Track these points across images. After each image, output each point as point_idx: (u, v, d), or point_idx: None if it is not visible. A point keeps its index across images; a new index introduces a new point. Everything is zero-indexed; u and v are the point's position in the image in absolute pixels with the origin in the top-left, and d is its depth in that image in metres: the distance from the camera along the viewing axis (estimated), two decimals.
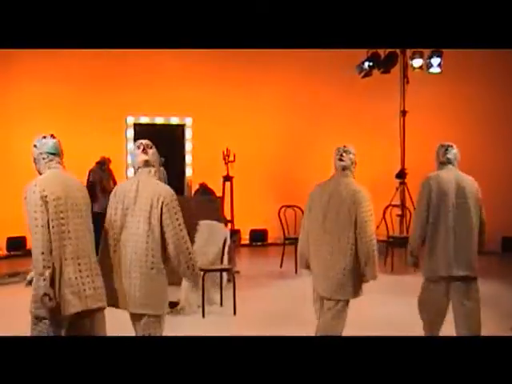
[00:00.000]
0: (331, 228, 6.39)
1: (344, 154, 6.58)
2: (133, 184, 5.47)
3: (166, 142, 15.31)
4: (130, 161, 14.59)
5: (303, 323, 8.06)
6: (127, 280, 5.38)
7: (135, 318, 5.48)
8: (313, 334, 6.44)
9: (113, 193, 5.69)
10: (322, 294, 6.41)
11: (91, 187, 13.13)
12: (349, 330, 7.71)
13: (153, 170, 5.53)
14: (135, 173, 5.60)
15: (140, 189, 5.38)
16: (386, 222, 11.85)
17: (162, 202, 5.29)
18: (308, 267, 6.64)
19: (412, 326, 8.07)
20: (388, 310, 9.01)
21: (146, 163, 5.53)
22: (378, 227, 10.55)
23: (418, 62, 13.33)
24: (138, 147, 5.62)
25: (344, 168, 6.57)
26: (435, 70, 13.39)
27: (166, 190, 5.41)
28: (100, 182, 13.15)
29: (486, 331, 7.30)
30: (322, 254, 6.39)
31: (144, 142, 5.70)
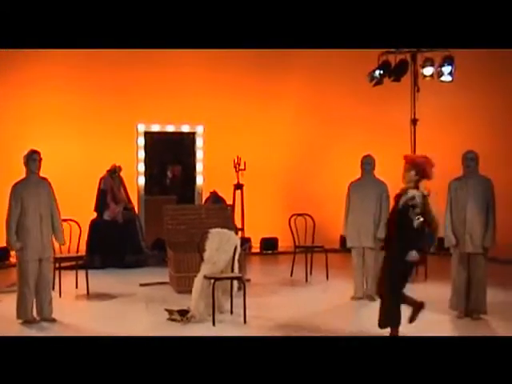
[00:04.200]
0: None
1: None
2: None
3: (177, 150, 15.40)
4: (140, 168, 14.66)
5: (314, 331, 8.05)
6: None
7: None
8: None
9: None
10: None
11: (102, 195, 13.18)
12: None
13: None
14: None
15: None
16: None
17: None
18: None
19: (421, 334, 8.07)
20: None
21: None
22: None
23: (428, 71, 13.28)
24: None
25: None
26: (446, 78, 13.33)
27: None
28: (111, 189, 13.19)
29: None
30: None
31: None
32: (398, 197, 7.49)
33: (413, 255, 7.20)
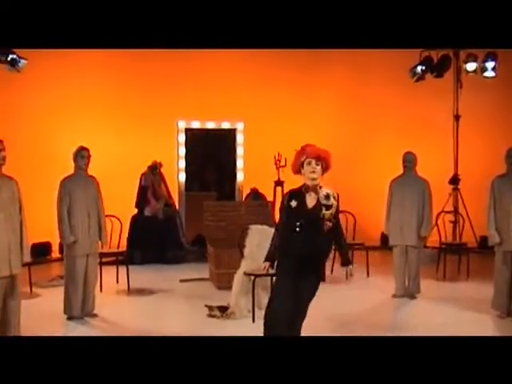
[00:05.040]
0: None
1: None
2: None
3: (217, 147, 15.42)
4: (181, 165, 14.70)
5: (354, 328, 8.01)
6: None
7: None
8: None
9: None
10: None
11: (143, 191, 13.25)
12: (399, 334, 7.65)
13: None
14: None
15: None
16: (438, 228, 11.70)
17: None
18: None
19: (462, 333, 7.96)
20: (440, 317, 8.88)
21: None
22: (430, 234, 10.43)
23: (471, 66, 13.12)
24: None
25: None
26: (490, 73, 13.17)
27: None
28: (151, 186, 13.26)
29: None
30: None
31: None
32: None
33: None
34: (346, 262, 6.18)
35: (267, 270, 6.08)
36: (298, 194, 5.92)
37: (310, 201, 5.87)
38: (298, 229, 5.80)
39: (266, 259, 6.13)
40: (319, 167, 5.87)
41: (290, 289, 5.83)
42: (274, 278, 7.32)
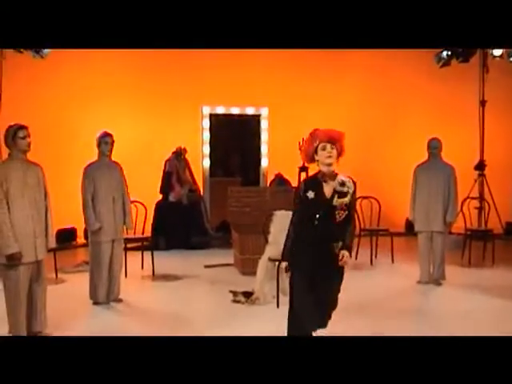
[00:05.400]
0: None
1: None
2: None
3: (241, 133, 15.42)
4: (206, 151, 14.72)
5: (378, 314, 7.99)
6: None
7: None
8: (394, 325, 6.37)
9: None
10: None
11: (167, 177, 13.28)
12: (425, 321, 7.65)
13: None
14: None
15: None
16: (463, 214, 11.63)
17: None
18: None
19: (487, 319, 7.94)
20: (465, 304, 8.84)
21: None
22: (455, 220, 10.37)
23: (498, 51, 13.00)
24: None
25: None
26: None
27: None
28: (176, 171, 13.28)
29: None
30: None
31: None
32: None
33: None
34: (344, 247, 5.46)
35: (288, 270, 5.65)
36: (315, 183, 5.49)
37: (328, 190, 5.45)
38: (316, 222, 5.41)
39: (285, 259, 5.75)
40: (335, 151, 5.44)
41: (310, 285, 5.47)
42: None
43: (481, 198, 13.18)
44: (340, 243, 5.42)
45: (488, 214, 12.35)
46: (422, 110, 14.87)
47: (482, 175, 13.57)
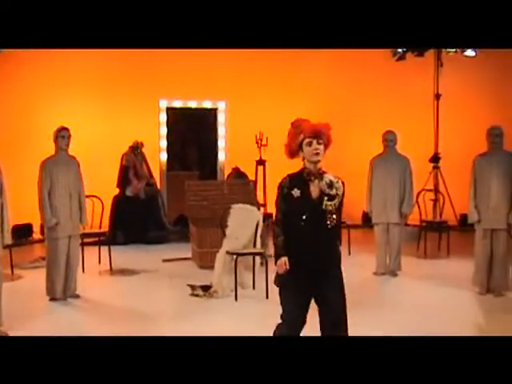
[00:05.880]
0: None
1: None
2: None
3: (199, 126, 15.41)
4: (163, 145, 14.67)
5: None
6: None
7: None
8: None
9: None
10: None
11: (125, 171, 13.22)
12: (382, 312, 7.74)
13: None
14: None
15: None
16: (419, 206, 11.77)
17: None
18: None
19: (443, 310, 8.07)
20: (421, 294, 8.97)
21: None
22: (411, 212, 10.49)
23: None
24: None
25: None
26: (470, 53, 13.24)
27: None
28: (133, 166, 13.22)
29: None
30: None
31: None
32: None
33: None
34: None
35: (286, 266, 4.95)
36: (300, 180, 4.95)
37: (314, 190, 4.93)
38: (302, 223, 4.89)
39: (280, 255, 5.02)
40: (322, 146, 4.93)
41: (303, 296, 4.97)
42: (258, 256, 7.26)
43: (436, 190, 13.35)
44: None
45: (443, 206, 12.52)
46: (377, 103, 14.98)
47: (436, 168, 13.75)
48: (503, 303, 8.49)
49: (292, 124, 5.10)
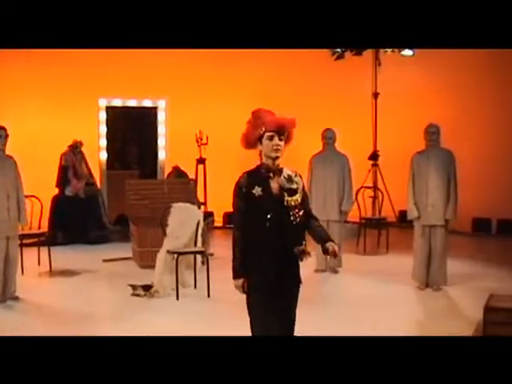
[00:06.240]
0: None
1: None
2: None
3: (139, 125, 15.33)
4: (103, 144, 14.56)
5: None
6: None
7: None
8: None
9: None
10: None
11: (64, 171, 13.07)
12: (324, 309, 7.81)
13: None
14: None
15: None
16: (358, 203, 11.91)
17: None
18: None
19: (384, 305, 8.19)
20: (361, 290, 9.08)
21: None
22: (351, 209, 10.60)
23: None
24: None
25: None
26: (407, 52, 13.43)
27: None
28: (73, 165, 13.07)
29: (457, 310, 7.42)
30: None
31: None
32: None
33: None
34: (327, 240, 4.81)
35: (243, 289, 4.66)
36: (260, 177, 4.62)
37: (275, 186, 4.60)
38: (268, 223, 4.53)
39: (238, 275, 4.71)
40: (283, 143, 4.63)
41: (270, 304, 4.58)
42: (199, 255, 7.21)
43: (375, 187, 13.51)
44: (303, 245, 4.70)
45: (382, 203, 12.67)
46: (317, 101, 15.07)
47: (375, 165, 13.91)
48: (441, 297, 8.65)
49: (253, 113, 4.70)
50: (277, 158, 4.60)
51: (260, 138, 4.60)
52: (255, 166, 4.70)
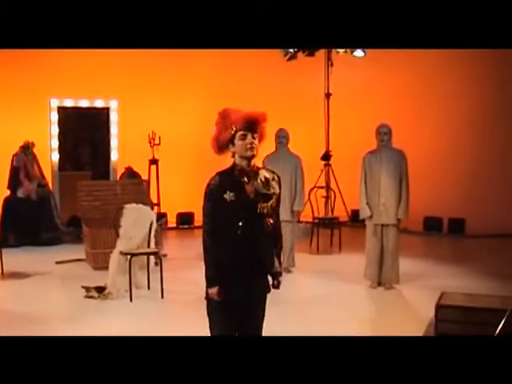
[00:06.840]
0: None
1: None
2: None
3: (91, 126, 15.23)
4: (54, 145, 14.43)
5: None
6: None
7: None
8: None
9: None
10: None
11: (15, 172, 12.95)
12: (278, 308, 7.84)
13: None
14: None
15: None
16: (311, 203, 12.00)
17: None
18: None
19: (337, 303, 8.27)
20: (315, 289, 9.15)
21: None
22: (303, 209, 10.68)
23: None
24: None
25: None
26: (359, 53, 13.54)
27: None
28: (24, 166, 12.96)
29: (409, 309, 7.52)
30: None
31: None
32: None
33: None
34: (278, 275, 4.51)
35: (220, 296, 4.31)
36: (233, 181, 4.31)
37: (250, 190, 4.30)
38: (239, 231, 4.25)
39: (213, 284, 4.33)
40: (257, 140, 4.33)
41: (233, 316, 4.36)
42: (152, 255, 7.18)
43: (327, 187, 13.60)
44: (274, 258, 4.44)
45: (334, 203, 12.78)
46: (269, 101, 15.09)
47: (327, 165, 14.00)
48: (394, 296, 8.76)
49: (220, 114, 4.45)
50: (253, 156, 4.32)
51: (232, 139, 4.33)
52: (228, 167, 4.41)
